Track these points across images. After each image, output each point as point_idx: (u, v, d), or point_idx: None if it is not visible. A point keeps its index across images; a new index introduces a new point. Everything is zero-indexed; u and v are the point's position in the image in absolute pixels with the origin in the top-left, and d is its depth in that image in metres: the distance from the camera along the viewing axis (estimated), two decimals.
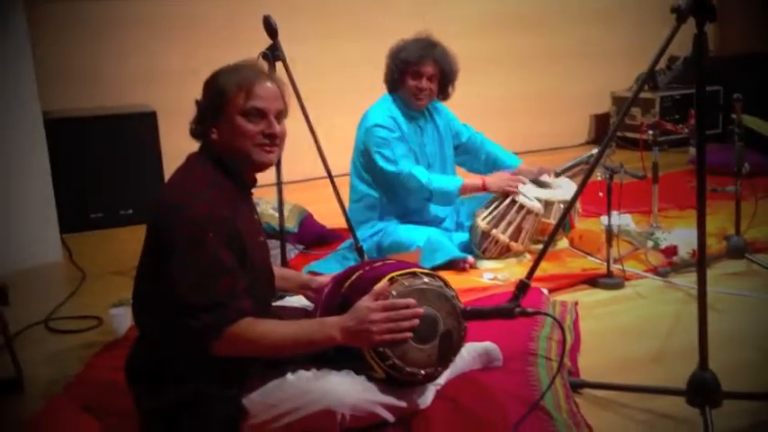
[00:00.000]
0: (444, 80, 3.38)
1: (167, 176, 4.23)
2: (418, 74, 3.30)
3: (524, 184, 3.36)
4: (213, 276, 1.76)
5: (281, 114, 1.93)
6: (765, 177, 4.22)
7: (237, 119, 1.87)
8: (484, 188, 3.36)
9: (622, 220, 3.45)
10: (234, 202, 1.88)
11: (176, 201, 1.83)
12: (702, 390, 1.85)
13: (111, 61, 4.67)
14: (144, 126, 4.37)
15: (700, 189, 1.78)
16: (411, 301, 1.83)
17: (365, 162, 3.38)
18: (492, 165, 3.61)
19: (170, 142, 4.43)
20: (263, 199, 3.64)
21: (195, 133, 1.94)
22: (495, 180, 3.37)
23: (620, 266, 3.08)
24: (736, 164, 3.01)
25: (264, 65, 2.72)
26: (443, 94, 3.44)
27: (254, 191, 2.05)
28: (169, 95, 4.67)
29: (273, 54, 2.83)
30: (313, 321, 1.88)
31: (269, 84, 1.91)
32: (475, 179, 3.40)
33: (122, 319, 2.70)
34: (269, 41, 2.84)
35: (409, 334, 1.83)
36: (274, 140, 1.90)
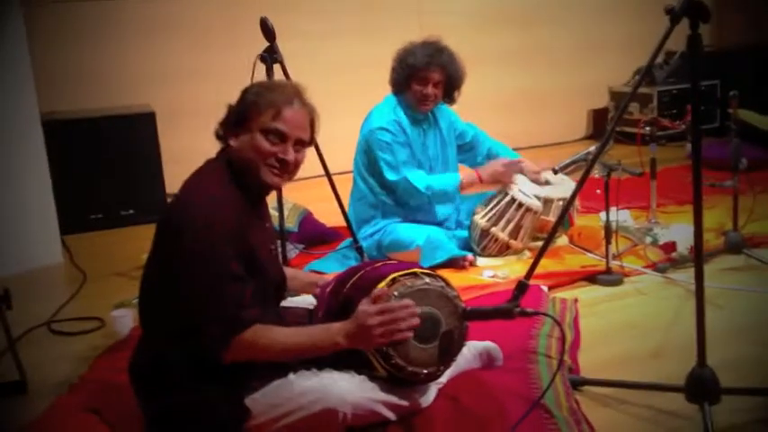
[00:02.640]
0: (450, 86, 3.37)
1: (167, 177, 4.32)
2: (424, 80, 3.29)
3: (519, 172, 3.37)
4: (222, 286, 1.78)
5: (301, 143, 1.95)
6: (763, 172, 4.24)
7: (257, 134, 1.89)
8: (480, 181, 3.38)
9: (621, 216, 3.45)
10: (246, 211, 1.90)
11: (189, 208, 1.84)
12: (701, 386, 1.87)
13: (109, 62, 4.68)
14: (143, 127, 4.37)
15: (696, 188, 1.79)
16: (408, 302, 1.85)
17: (368, 162, 3.38)
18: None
19: (169, 143, 4.45)
20: None
21: (218, 135, 1.97)
22: (488, 171, 3.39)
23: (619, 263, 3.10)
24: (732, 159, 3.02)
25: (258, 66, 2.73)
26: (449, 98, 3.43)
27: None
28: (168, 96, 4.69)
29: (271, 56, 2.84)
30: (318, 328, 1.90)
31: (300, 111, 1.93)
32: (470, 173, 3.41)
33: (125, 320, 2.72)
34: (267, 42, 2.85)
35: (409, 334, 1.85)
36: (285, 167, 1.92)
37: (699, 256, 1.87)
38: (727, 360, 2.15)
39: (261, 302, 1.87)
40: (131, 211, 4.29)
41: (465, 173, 3.43)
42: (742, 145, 3.04)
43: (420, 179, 3.30)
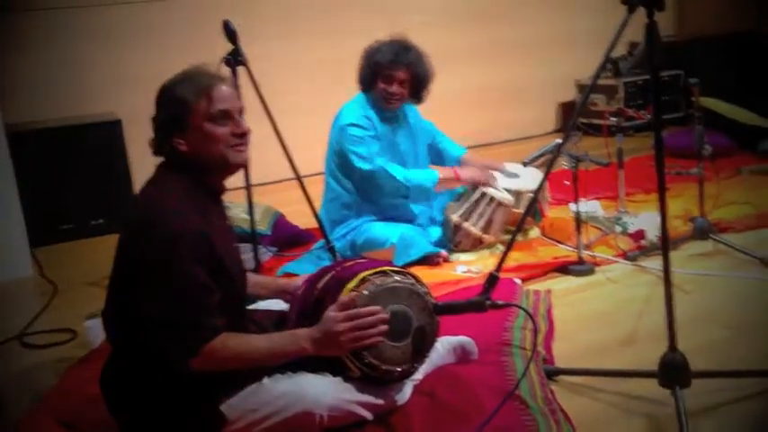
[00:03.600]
0: (417, 85, 3.37)
1: (136, 184, 4.27)
2: (390, 78, 3.29)
3: (499, 172, 3.40)
4: (187, 296, 1.76)
5: (242, 112, 1.94)
6: (728, 158, 4.33)
7: (205, 125, 1.86)
8: (458, 180, 3.39)
9: (590, 206, 3.50)
10: (206, 212, 1.88)
11: (148, 218, 1.81)
12: (672, 371, 1.90)
13: (72, 71, 4.62)
14: (110, 134, 4.33)
15: (659, 177, 1.82)
16: (375, 308, 1.86)
17: (340, 161, 3.38)
18: (440, 158, 3.62)
19: (138, 149, 4.40)
20: (234, 203, 3.62)
21: (159, 150, 1.92)
22: (468, 172, 3.41)
23: (590, 253, 3.13)
24: (696, 147, 3.06)
25: (223, 69, 2.72)
26: (417, 97, 3.44)
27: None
28: (135, 103, 4.62)
29: (235, 59, 2.83)
30: (285, 334, 1.90)
31: (224, 85, 1.92)
32: (448, 171, 3.43)
33: (98, 330, 2.68)
34: (231, 45, 2.84)
35: (379, 339, 1.86)
36: (244, 139, 1.92)
37: (665, 244, 1.89)
38: (698, 344, 2.19)
39: (228, 309, 1.85)
40: (101, 221, 4.25)
41: (443, 170, 3.43)
42: (706, 132, 3.08)
43: (398, 170, 3.30)
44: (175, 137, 1.88)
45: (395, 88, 3.30)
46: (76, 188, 4.22)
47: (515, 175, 3.50)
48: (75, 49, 4.63)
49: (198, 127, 1.86)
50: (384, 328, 1.86)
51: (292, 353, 1.84)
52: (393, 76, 3.28)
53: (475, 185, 3.38)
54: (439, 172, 3.39)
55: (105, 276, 2.78)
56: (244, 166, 1.97)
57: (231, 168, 1.93)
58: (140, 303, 1.77)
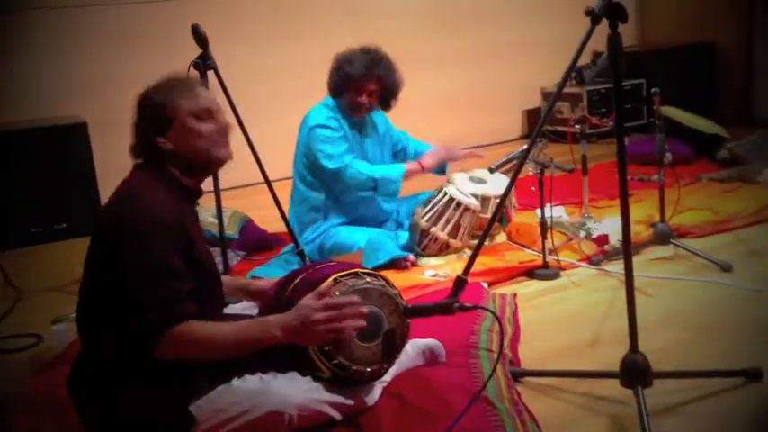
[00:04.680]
0: (387, 95, 3.41)
1: (101, 188, 4.23)
2: (360, 89, 3.31)
3: (466, 176, 3.46)
4: (160, 276, 1.77)
5: (220, 110, 2.00)
6: (688, 166, 4.45)
7: (190, 121, 1.92)
8: (422, 169, 3.45)
9: (556, 212, 3.56)
10: (182, 208, 1.91)
11: (125, 206, 1.84)
12: (634, 371, 1.94)
13: (38, 73, 4.57)
14: (75, 137, 4.29)
15: (622, 184, 1.87)
16: (354, 298, 1.87)
17: (308, 163, 3.39)
18: (405, 156, 3.68)
19: (103, 153, 4.36)
20: (202, 207, 3.61)
21: (142, 149, 1.95)
22: (429, 159, 3.48)
23: (555, 257, 3.19)
24: (658, 154, 3.14)
25: (192, 73, 2.74)
26: (385, 106, 3.47)
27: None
28: (100, 106, 4.60)
29: (204, 63, 2.83)
30: (255, 321, 1.91)
31: (203, 89, 2.01)
32: (412, 164, 3.47)
33: (64, 335, 2.66)
34: (200, 49, 2.84)
35: (353, 332, 1.87)
36: (226, 134, 1.98)
37: (627, 248, 1.94)
38: (659, 345, 2.25)
39: (200, 300, 1.85)
40: (64, 225, 4.19)
41: (408, 164, 3.47)
42: (666, 140, 3.16)
43: (364, 166, 3.33)
44: (158, 137, 1.91)
45: (364, 99, 3.33)
46: (40, 191, 4.17)
47: (482, 181, 3.55)
48: (41, 51, 4.58)
49: (182, 124, 1.91)
50: (362, 323, 1.87)
51: (262, 340, 1.84)
52: (363, 87, 3.31)
53: (440, 186, 3.42)
54: (405, 165, 3.43)
55: (70, 281, 2.77)
56: (228, 160, 2.01)
57: (215, 164, 1.98)
58: (113, 282, 1.78)
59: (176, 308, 1.78)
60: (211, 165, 1.99)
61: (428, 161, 3.49)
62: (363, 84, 3.31)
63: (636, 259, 1.99)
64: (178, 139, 1.92)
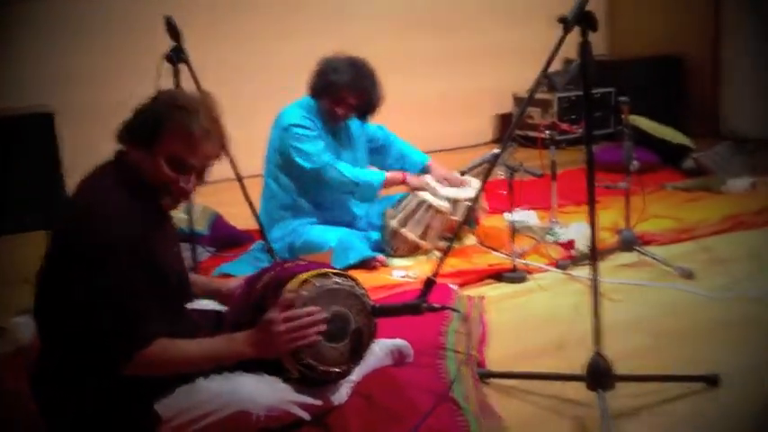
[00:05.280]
0: (365, 110, 3.39)
1: (68, 179, 4.16)
2: (338, 100, 3.30)
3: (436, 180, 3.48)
4: (124, 301, 1.74)
5: (205, 170, 1.89)
6: (653, 174, 4.52)
7: (160, 159, 1.80)
8: (403, 182, 3.45)
9: (524, 216, 3.60)
10: (147, 214, 1.85)
11: (85, 220, 1.77)
12: (597, 375, 1.98)
13: (7, 63, 4.48)
14: (41, 128, 4.21)
15: (590, 191, 1.91)
16: (313, 308, 1.89)
17: (281, 161, 3.38)
18: (402, 162, 3.68)
19: (70, 144, 4.30)
20: None
21: (120, 137, 1.86)
22: (414, 179, 3.48)
23: (523, 261, 3.23)
24: (625, 162, 3.20)
25: (164, 65, 2.68)
26: (362, 118, 3.46)
27: None
28: (68, 97, 4.52)
29: (177, 56, 2.81)
30: (222, 339, 1.89)
31: (215, 142, 1.85)
32: (396, 174, 3.47)
33: (27, 327, 2.61)
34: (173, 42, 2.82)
35: (317, 338, 1.88)
36: (182, 196, 1.88)
37: (594, 254, 1.98)
38: (622, 350, 2.29)
39: (165, 312, 1.83)
40: (30, 216, 4.11)
41: (391, 173, 3.47)
42: (633, 148, 3.21)
43: (346, 167, 3.32)
44: (137, 143, 1.83)
45: (341, 110, 3.32)
46: (5, 182, 4.08)
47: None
48: (12, 42, 4.49)
49: (155, 154, 1.81)
50: (322, 327, 1.89)
51: (230, 357, 1.86)
52: (344, 99, 3.30)
53: (414, 189, 3.44)
54: (387, 174, 3.43)
55: (34, 273, 2.69)
56: (167, 210, 1.93)
57: (156, 203, 1.88)
58: (74, 305, 1.74)
59: (142, 330, 1.76)
60: (151, 200, 1.87)
61: (414, 181, 3.46)
62: (344, 95, 3.29)
63: (601, 265, 2.03)
64: (143, 157, 1.82)
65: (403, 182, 3.45)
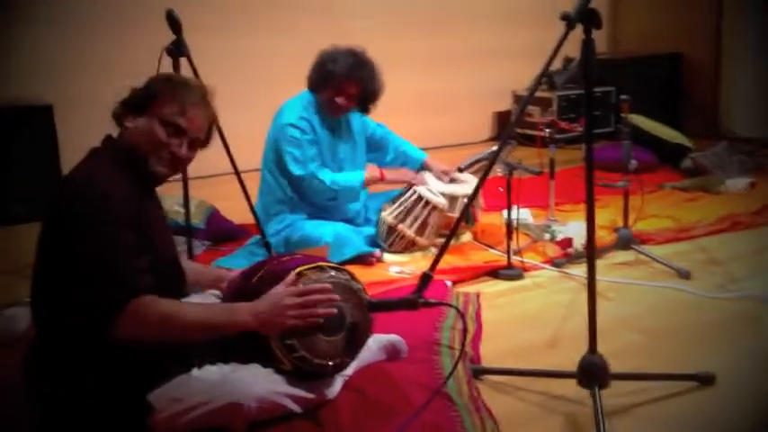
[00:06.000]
0: (366, 99, 3.39)
1: (66, 171, 4.15)
2: (339, 90, 3.29)
3: (433, 176, 3.47)
4: (114, 250, 1.75)
5: (196, 143, 1.95)
6: (652, 173, 4.53)
7: (155, 122, 1.88)
8: (382, 179, 3.45)
9: (522, 214, 3.59)
10: (139, 197, 1.88)
11: (78, 179, 1.83)
12: (591, 372, 1.98)
13: (5, 54, 4.46)
14: (40, 120, 4.20)
15: (588, 189, 1.90)
16: (326, 286, 1.88)
17: (276, 158, 3.37)
18: (401, 159, 3.68)
19: (68, 136, 4.29)
20: (167, 195, 3.57)
21: (116, 114, 1.94)
22: (394, 174, 3.49)
23: (519, 258, 3.23)
24: (623, 161, 3.19)
25: (164, 58, 2.71)
26: (363, 109, 3.46)
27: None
28: (67, 89, 4.51)
29: (178, 49, 2.80)
30: (222, 305, 1.90)
31: (203, 112, 1.95)
32: (374, 171, 3.47)
33: (16, 320, 2.60)
34: (173, 35, 2.81)
35: (320, 319, 1.88)
36: (175, 162, 1.92)
37: (591, 253, 1.98)
38: (617, 348, 2.29)
39: (157, 282, 1.83)
40: (26, 208, 4.11)
41: (369, 170, 3.47)
42: (632, 147, 3.21)
43: (326, 174, 3.32)
44: (132, 113, 1.91)
45: (342, 100, 3.31)
46: (3, 174, 4.07)
47: (451, 180, 3.57)
48: (8, 33, 4.47)
49: (150, 119, 1.89)
50: (333, 310, 1.88)
51: (229, 326, 1.84)
52: (343, 88, 3.29)
53: (409, 186, 3.43)
54: (366, 172, 3.43)
55: (27, 265, 2.71)
56: (159, 179, 1.95)
57: (147, 172, 1.91)
58: (67, 264, 1.76)
59: (134, 281, 1.76)
60: (145, 173, 1.91)
61: (390, 175, 3.48)
62: (343, 84, 3.28)
63: (598, 263, 2.03)
64: (138, 127, 1.90)
65: (382, 179, 3.45)
